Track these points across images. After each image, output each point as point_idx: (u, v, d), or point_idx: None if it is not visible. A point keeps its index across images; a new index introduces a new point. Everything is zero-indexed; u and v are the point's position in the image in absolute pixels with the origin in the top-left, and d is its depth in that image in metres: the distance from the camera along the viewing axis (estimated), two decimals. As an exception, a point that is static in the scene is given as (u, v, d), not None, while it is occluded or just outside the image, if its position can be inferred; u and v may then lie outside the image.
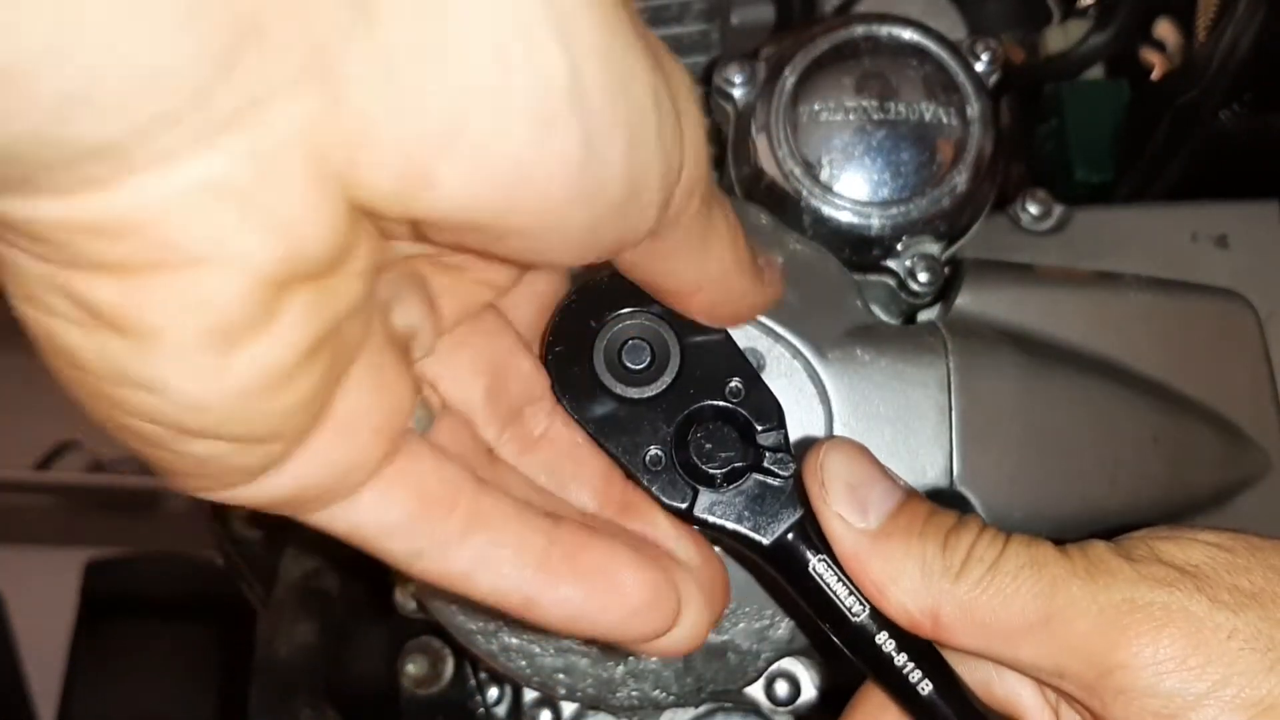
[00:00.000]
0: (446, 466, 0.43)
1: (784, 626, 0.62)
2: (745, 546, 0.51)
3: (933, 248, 0.68)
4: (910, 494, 0.50)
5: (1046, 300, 0.66)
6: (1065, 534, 0.64)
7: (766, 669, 0.63)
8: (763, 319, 0.61)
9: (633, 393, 0.50)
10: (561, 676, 0.62)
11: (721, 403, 0.51)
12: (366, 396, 0.39)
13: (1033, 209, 0.73)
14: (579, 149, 0.34)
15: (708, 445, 0.50)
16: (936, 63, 0.68)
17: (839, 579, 0.49)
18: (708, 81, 0.73)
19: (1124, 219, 0.72)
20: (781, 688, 0.64)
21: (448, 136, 0.32)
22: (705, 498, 0.50)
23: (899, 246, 0.67)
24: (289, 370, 0.34)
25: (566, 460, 0.50)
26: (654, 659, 0.62)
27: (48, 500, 3.17)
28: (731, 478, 0.50)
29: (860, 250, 0.67)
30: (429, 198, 0.33)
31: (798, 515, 0.50)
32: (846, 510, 0.49)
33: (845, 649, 0.51)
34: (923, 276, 0.67)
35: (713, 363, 0.51)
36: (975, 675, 0.51)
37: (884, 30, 0.69)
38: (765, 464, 0.50)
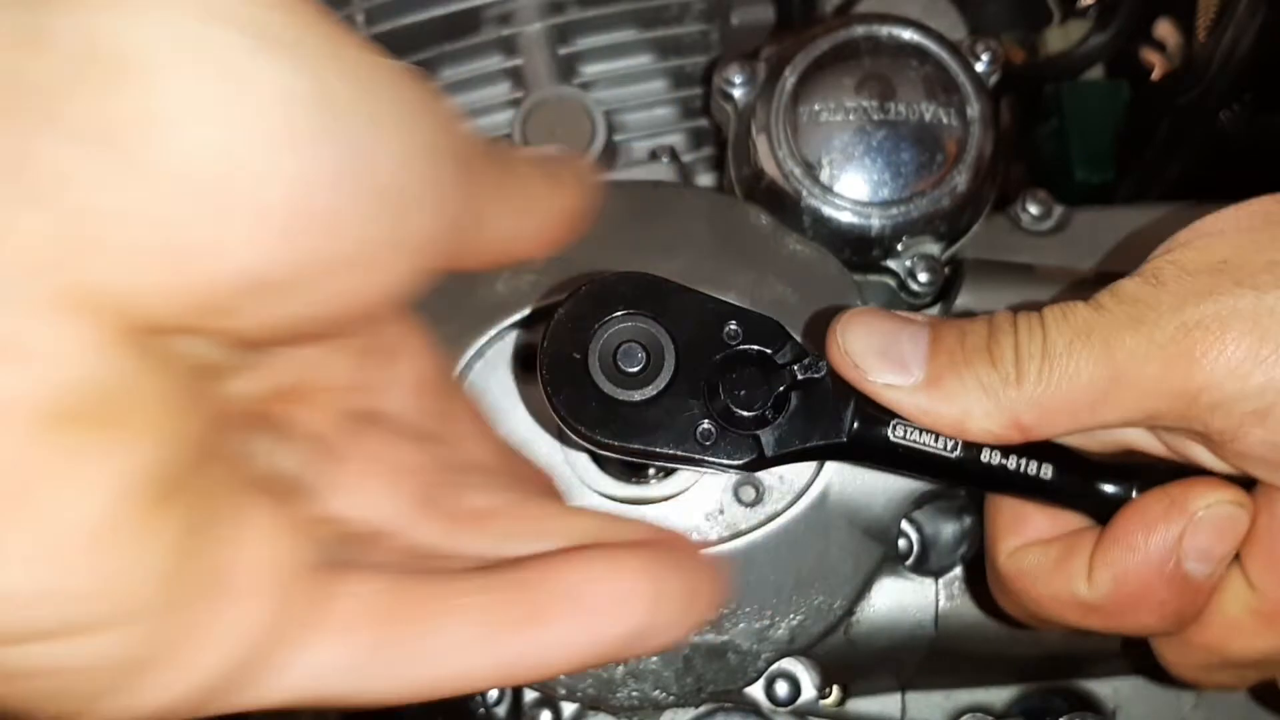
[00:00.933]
0: (384, 578, 0.38)
1: (784, 627, 0.62)
2: (827, 456, 0.51)
3: (933, 248, 0.68)
4: (933, 324, 0.51)
5: (1046, 300, 0.66)
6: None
7: (766, 669, 0.63)
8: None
9: (650, 392, 0.50)
10: (561, 676, 0.62)
11: (729, 350, 0.51)
12: (249, 551, 0.34)
13: (1033, 209, 0.73)
14: (348, 151, 0.31)
15: (741, 392, 0.50)
16: (936, 63, 0.68)
17: (920, 431, 0.50)
18: (708, 82, 0.74)
19: (1124, 219, 0.72)
20: (781, 688, 0.64)
21: (199, 199, 0.29)
22: (768, 437, 0.50)
23: (899, 247, 0.67)
24: (111, 522, 0.30)
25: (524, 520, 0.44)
26: (654, 658, 0.62)
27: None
28: (779, 406, 0.50)
29: (860, 250, 0.67)
30: (217, 273, 0.30)
31: (853, 400, 0.50)
32: (889, 376, 0.49)
33: (961, 484, 0.51)
34: (923, 276, 0.67)
35: (698, 320, 0.50)
36: (1075, 440, 0.51)
37: (884, 31, 0.69)
38: (799, 377, 0.50)
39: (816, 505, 0.62)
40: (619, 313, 0.50)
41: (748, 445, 0.50)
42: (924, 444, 0.50)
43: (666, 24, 0.84)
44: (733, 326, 0.51)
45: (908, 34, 0.69)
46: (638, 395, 0.49)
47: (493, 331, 0.63)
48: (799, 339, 0.51)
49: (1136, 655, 0.69)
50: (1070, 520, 0.52)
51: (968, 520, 0.64)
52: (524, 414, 0.64)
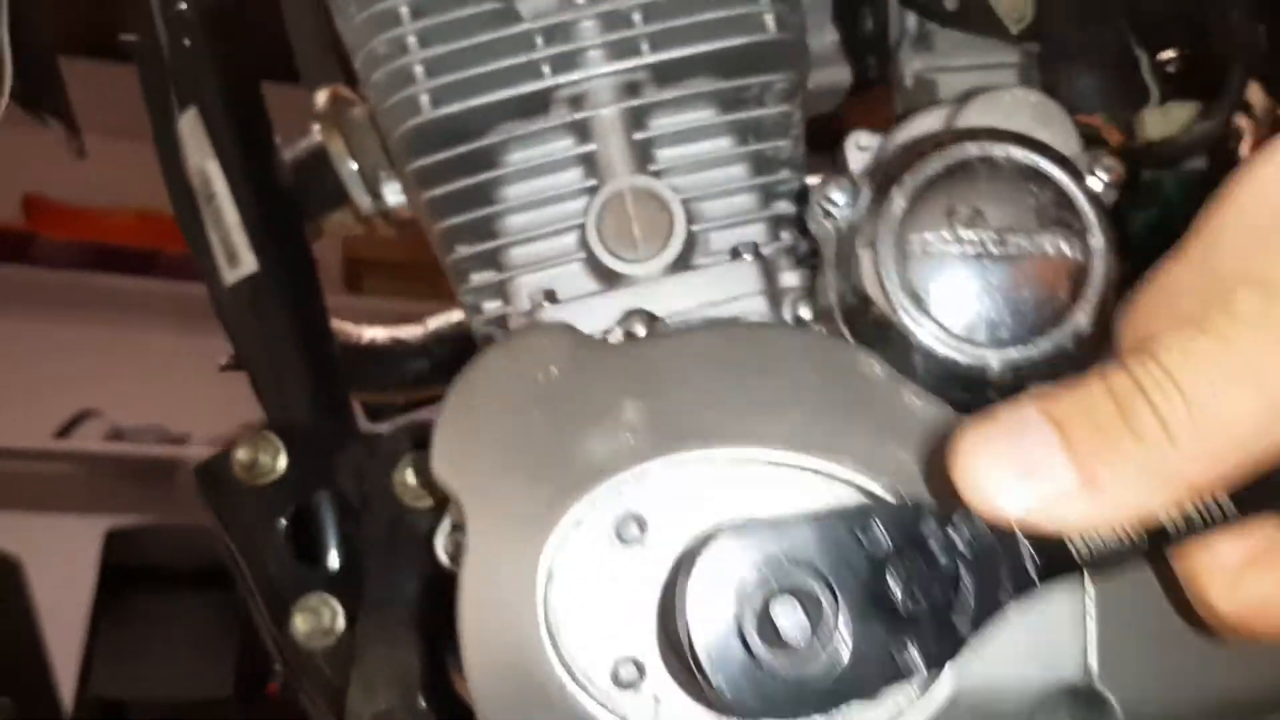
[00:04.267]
0: None
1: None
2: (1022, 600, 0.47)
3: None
4: (1048, 413, 0.48)
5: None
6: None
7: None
8: (874, 489, 0.57)
9: (839, 654, 0.45)
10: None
11: (882, 562, 0.46)
12: None
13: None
14: None
15: (919, 597, 0.46)
16: (1056, 188, 0.64)
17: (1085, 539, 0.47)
18: (804, 201, 0.69)
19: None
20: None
21: None
22: (961, 618, 0.46)
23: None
24: None
25: None
26: None
27: (67, 468, 3.17)
28: (955, 585, 0.46)
29: (973, 390, 0.63)
30: None
31: (1022, 544, 0.47)
32: (1041, 496, 0.45)
33: (1160, 557, 0.50)
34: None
35: (835, 545, 0.46)
36: None
37: (999, 150, 0.64)
38: (966, 554, 0.46)
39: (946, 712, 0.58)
40: (754, 584, 0.45)
41: (946, 639, 0.46)
42: (1113, 546, 0.46)
43: (747, 105, 0.80)
44: (874, 533, 0.46)
45: (1023, 153, 0.64)
46: (824, 657, 0.44)
47: (591, 496, 0.59)
48: (932, 503, 0.47)
49: None
50: (1259, 529, 0.49)
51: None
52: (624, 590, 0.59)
